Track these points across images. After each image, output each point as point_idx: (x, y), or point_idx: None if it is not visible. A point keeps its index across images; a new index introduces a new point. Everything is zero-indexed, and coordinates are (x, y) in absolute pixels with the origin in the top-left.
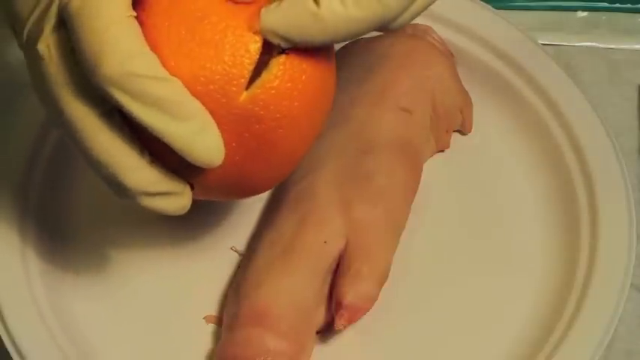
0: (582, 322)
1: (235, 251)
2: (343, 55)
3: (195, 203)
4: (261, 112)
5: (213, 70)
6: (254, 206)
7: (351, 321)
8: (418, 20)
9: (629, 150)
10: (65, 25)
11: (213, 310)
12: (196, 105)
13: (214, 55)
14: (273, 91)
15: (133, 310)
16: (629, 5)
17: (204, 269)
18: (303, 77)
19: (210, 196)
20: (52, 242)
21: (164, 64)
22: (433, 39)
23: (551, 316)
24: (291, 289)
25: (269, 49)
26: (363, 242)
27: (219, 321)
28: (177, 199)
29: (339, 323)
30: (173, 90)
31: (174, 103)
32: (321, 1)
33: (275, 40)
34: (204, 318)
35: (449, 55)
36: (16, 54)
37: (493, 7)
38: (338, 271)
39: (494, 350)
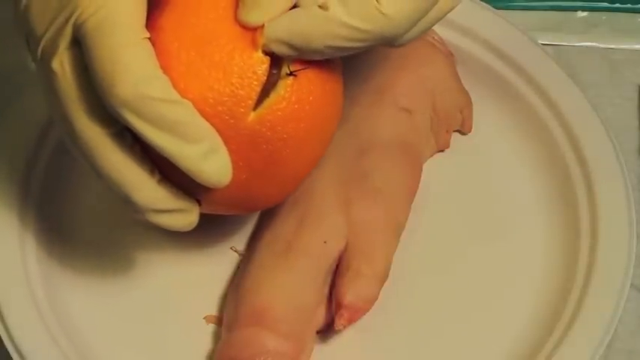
0: (582, 322)
1: (235, 251)
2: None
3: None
4: (268, 133)
5: (221, 91)
6: None
7: (351, 321)
8: None
9: (629, 150)
10: (80, 44)
11: (213, 310)
12: (206, 127)
13: (222, 77)
14: (280, 113)
15: (132, 310)
16: (629, 5)
17: (204, 269)
18: (311, 98)
19: (215, 211)
20: (52, 242)
21: (174, 86)
22: (433, 39)
23: (551, 316)
24: (291, 289)
25: (278, 70)
26: (363, 242)
27: (219, 321)
28: (185, 216)
29: (339, 323)
30: (185, 113)
31: (185, 125)
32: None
33: (280, 50)
34: (204, 318)
35: (449, 55)
36: (15, 54)
37: (493, 7)
38: (338, 271)
39: (495, 350)
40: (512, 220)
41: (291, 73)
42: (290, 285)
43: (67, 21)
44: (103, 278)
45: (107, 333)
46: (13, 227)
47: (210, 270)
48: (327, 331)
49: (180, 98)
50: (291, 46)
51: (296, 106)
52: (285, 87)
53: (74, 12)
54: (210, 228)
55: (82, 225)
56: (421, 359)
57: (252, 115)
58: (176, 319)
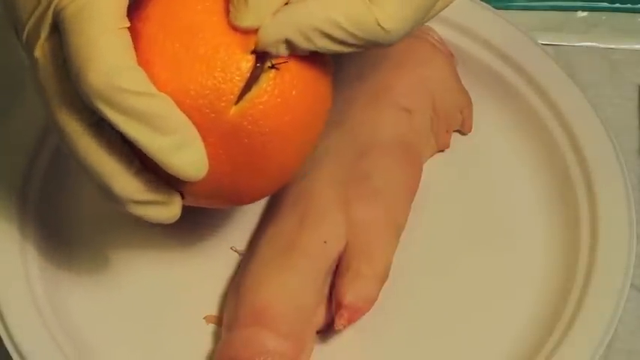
0: (582, 322)
1: (235, 251)
2: (342, 55)
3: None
4: (250, 127)
5: (203, 84)
6: (254, 206)
7: (351, 321)
8: None
9: (629, 150)
10: (59, 31)
11: (213, 310)
12: (181, 120)
13: (206, 70)
14: (261, 107)
15: (133, 310)
16: (629, 5)
17: (204, 269)
18: (294, 92)
19: (201, 203)
20: (52, 242)
21: (156, 75)
22: (433, 39)
23: (551, 316)
24: (291, 289)
25: (261, 63)
26: (363, 242)
27: (219, 321)
28: (166, 207)
29: (339, 323)
30: (157, 105)
31: (156, 117)
32: None
33: (274, 50)
34: (204, 318)
35: (449, 55)
36: (15, 55)
37: (493, 7)
38: (338, 271)
39: (495, 350)
40: (512, 220)
41: (272, 66)
42: (290, 285)
43: (48, 7)
44: (103, 278)
45: (107, 333)
46: (13, 227)
47: (210, 270)
48: (327, 331)
49: (153, 91)
50: (285, 45)
51: (278, 100)
52: (267, 80)
53: None
54: (211, 228)
55: (82, 225)
56: (421, 359)
57: (234, 109)
58: (176, 319)
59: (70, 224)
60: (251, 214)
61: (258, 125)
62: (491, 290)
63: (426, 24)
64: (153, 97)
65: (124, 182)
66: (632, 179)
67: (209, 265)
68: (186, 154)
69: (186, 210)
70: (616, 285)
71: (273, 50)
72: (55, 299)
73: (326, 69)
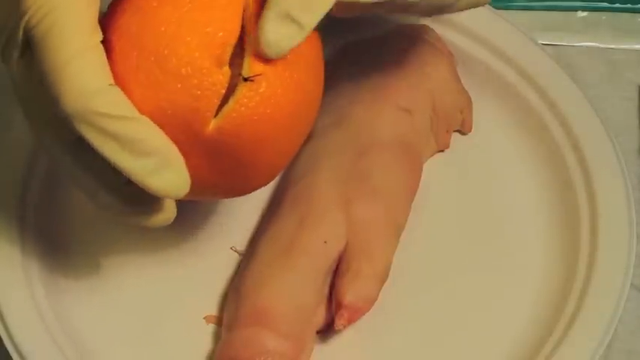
0: (582, 322)
1: (235, 251)
2: (342, 55)
3: (195, 205)
4: (230, 141)
5: (179, 103)
6: (254, 206)
7: (351, 321)
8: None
9: (629, 150)
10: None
11: (213, 310)
12: (159, 141)
13: (181, 88)
14: (239, 120)
15: (132, 311)
16: (629, 5)
17: (204, 269)
18: (272, 100)
19: (195, 199)
20: (52, 242)
21: (130, 93)
22: (433, 39)
23: (551, 316)
24: (292, 289)
25: (237, 75)
26: (363, 242)
27: (219, 321)
28: (157, 214)
29: (339, 323)
30: (135, 128)
31: (135, 140)
32: None
33: (272, 51)
34: (204, 318)
35: (449, 55)
36: None
37: (493, 7)
38: (338, 271)
39: (495, 350)
40: (512, 220)
41: (247, 79)
42: (290, 285)
43: (17, 27)
44: (103, 278)
45: (107, 333)
46: (13, 227)
47: (210, 270)
48: (327, 331)
49: (130, 112)
50: (298, 20)
51: (257, 111)
52: (243, 92)
53: (23, 16)
54: (211, 228)
55: (82, 225)
56: (421, 359)
57: (212, 124)
58: (176, 319)
59: (71, 225)
60: (251, 213)
61: (239, 138)
62: (491, 290)
63: (426, 24)
64: (131, 120)
65: (111, 195)
66: (632, 179)
67: (209, 265)
68: (166, 175)
69: (186, 210)
70: (616, 285)
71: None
72: (55, 299)
73: (306, 69)
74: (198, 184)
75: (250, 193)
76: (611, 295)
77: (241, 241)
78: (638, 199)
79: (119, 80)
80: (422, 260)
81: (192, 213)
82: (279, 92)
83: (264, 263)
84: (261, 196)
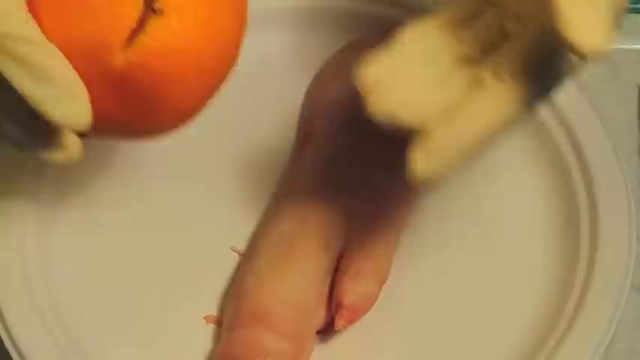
0: (582, 322)
1: (235, 251)
2: (343, 54)
3: (195, 205)
4: (138, 74)
5: (89, 34)
6: (254, 206)
7: (351, 321)
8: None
9: (629, 150)
10: None
11: (213, 310)
12: (64, 70)
13: (91, 19)
14: (148, 53)
15: (132, 310)
16: (629, 5)
17: (204, 269)
18: (183, 35)
19: (106, 139)
20: (52, 242)
21: (41, 25)
22: None
23: (551, 316)
24: (291, 289)
25: (149, 7)
26: (363, 242)
27: (219, 321)
28: (58, 150)
29: (339, 323)
30: (42, 54)
31: (39, 67)
32: None
33: None
34: (204, 318)
35: None
36: None
37: None
38: (338, 271)
39: (495, 350)
40: (512, 220)
41: (157, 11)
42: (290, 285)
43: None
44: (103, 278)
45: (107, 333)
46: (12, 227)
47: (210, 270)
48: (327, 331)
49: (40, 38)
50: None
51: (166, 44)
52: (153, 25)
53: None
54: (211, 228)
55: (82, 225)
56: (421, 359)
57: (121, 57)
58: (176, 319)
59: (71, 224)
60: (251, 213)
61: (147, 71)
62: (492, 290)
63: None
64: (38, 45)
65: (14, 128)
66: (632, 179)
67: (209, 265)
68: (69, 107)
69: (186, 210)
70: (616, 285)
71: None
72: (55, 299)
73: (224, 7)
74: (103, 120)
75: (156, 136)
76: (611, 295)
77: (241, 241)
78: (638, 199)
79: (32, 10)
80: (422, 260)
81: (193, 213)
82: (190, 27)
83: (265, 263)
84: (261, 196)
